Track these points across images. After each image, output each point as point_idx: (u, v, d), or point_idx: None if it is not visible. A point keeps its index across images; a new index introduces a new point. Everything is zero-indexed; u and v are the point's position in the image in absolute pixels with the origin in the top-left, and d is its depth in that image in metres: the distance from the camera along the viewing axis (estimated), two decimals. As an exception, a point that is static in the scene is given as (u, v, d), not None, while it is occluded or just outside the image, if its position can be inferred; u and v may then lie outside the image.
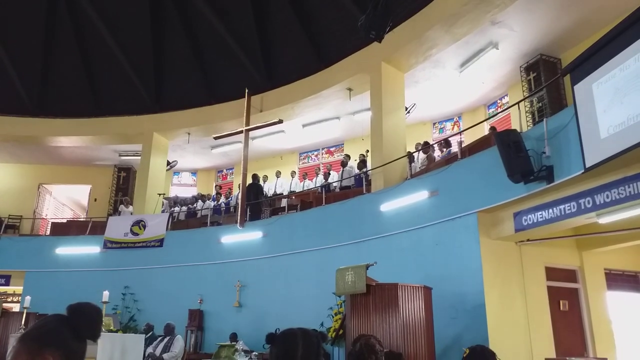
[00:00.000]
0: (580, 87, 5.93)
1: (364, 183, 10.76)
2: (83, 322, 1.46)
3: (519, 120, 7.94)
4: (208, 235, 12.37)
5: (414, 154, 11.07)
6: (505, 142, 6.48)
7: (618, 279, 8.71)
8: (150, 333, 10.04)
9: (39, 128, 14.93)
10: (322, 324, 9.17)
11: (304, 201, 12.20)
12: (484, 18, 9.20)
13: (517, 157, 6.41)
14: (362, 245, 9.36)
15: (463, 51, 10.36)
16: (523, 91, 10.31)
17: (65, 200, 18.42)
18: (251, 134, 12.95)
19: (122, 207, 14.91)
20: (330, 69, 12.24)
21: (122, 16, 14.18)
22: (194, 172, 17.94)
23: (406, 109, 11.50)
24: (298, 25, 12.50)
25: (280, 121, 12.25)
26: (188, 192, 16.93)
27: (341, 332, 8.32)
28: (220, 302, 11.32)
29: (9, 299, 13.89)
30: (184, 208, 15.21)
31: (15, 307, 12.88)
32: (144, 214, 13.27)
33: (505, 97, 11.92)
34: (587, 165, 5.65)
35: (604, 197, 5.96)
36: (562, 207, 6.50)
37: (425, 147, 11.04)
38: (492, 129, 10.30)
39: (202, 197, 15.23)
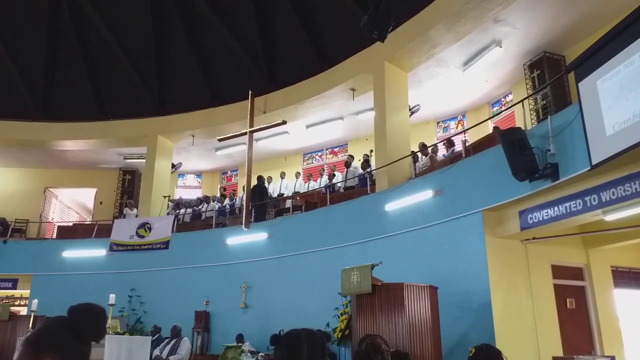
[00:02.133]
0: (584, 84, 5.89)
1: (368, 183, 10.75)
2: (82, 323, 1.46)
3: (523, 118, 7.94)
4: (213, 236, 12.40)
5: (417, 154, 11.05)
6: (510, 140, 6.45)
7: (625, 277, 8.66)
8: (157, 335, 10.07)
9: (44, 132, 15.01)
10: (327, 324, 9.17)
11: (309, 202, 12.20)
12: (487, 16, 9.17)
13: (521, 155, 6.38)
14: (367, 245, 9.36)
15: (466, 50, 10.33)
16: (527, 89, 10.28)
17: (71, 203, 18.50)
18: (255, 135, 12.98)
19: (126, 210, 14.97)
20: (333, 69, 12.24)
21: (125, 20, 14.24)
22: (198, 174, 17.97)
23: (410, 108, 11.48)
24: (300, 26, 12.51)
25: (284, 122, 12.27)
26: (193, 194, 16.96)
27: (347, 332, 8.31)
28: (226, 303, 11.34)
29: (16, 303, 13.97)
30: (189, 210, 15.24)
31: (23, 311, 12.93)
32: (150, 217, 13.31)
33: (509, 95, 11.88)
34: (594, 163, 5.62)
35: (610, 194, 5.92)
36: (567, 204, 6.47)
37: (423, 149, 11.00)
38: (497, 127, 10.25)
39: (207, 199, 15.26)
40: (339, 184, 12.61)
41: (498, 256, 7.41)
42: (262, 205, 12.67)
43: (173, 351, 8.95)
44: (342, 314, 8.94)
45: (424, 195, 8.46)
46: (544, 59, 10.05)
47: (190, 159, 16.38)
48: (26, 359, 1.38)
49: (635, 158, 5.48)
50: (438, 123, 13.69)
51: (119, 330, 8.97)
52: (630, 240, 7.75)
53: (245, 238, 11.68)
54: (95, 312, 1.51)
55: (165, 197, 14.36)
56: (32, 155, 15.95)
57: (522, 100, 8.12)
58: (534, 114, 9.92)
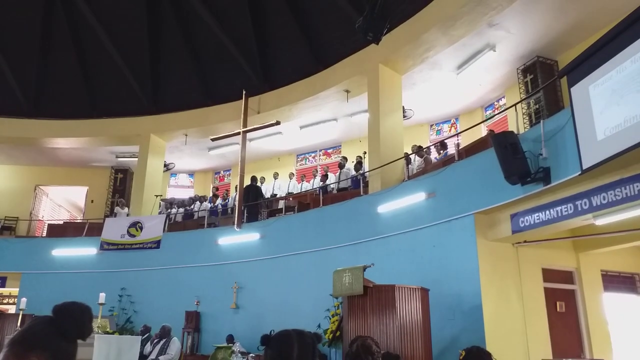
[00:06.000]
0: (577, 89, 5.94)
1: (361, 185, 10.76)
2: (68, 321, 1.46)
3: (515, 122, 7.96)
4: (205, 236, 12.35)
5: (410, 156, 11.08)
6: (502, 143, 6.49)
7: (615, 281, 8.72)
8: (147, 335, 10.02)
9: (36, 129, 14.89)
10: (319, 326, 9.16)
11: (302, 203, 12.19)
12: (481, 20, 9.22)
13: (514, 158, 6.41)
14: (359, 246, 9.36)
15: (460, 53, 10.37)
16: (520, 93, 10.33)
17: (62, 201, 18.37)
18: (248, 135, 12.94)
19: (117, 209, 14.90)
20: (327, 70, 12.25)
21: (119, 17, 14.16)
22: (191, 174, 17.91)
23: (404, 110, 11.50)
24: (295, 27, 12.50)
25: (278, 123, 12.25)
26: (185, 194, 16.90)
27: (338, 333, 8.30)
28: (217, 303, 11.30)
29: (5, 301, 13.85)
30: (181, 209, 15.18)
31: (11, 309, 12.83)
32: (141, 216, 13.24)
33: (502, 99, 11.95)
34: (584, 167, 5.66)
35: (601, 198, 5.97)
36: (558, 208, 6.51)
37: (419, 150, 11.04)
38: (492, 131, 10.30)
39: (200, 199, 15.21)
40: (332, 185, 12.61)
41: (489, 259, 7.44)
42: (254, 205, 12.64)
43: (163, 351, 8.91)
44: (333, 315, 8.93)
45: (417, 197, 8.48)
46: (537, 64, 10.11)
47: (182, 158, 16.32)
48: (13, 358, 1.37)
49: (626, 163, 5.52)
50: (431, 126, 13.74)
51: (108, 329, 8.92)
52: (620, 245, 7.81)
53: (237, 238, 11.65)
54: (80, 310, 1.51)
55: (157, 196, 14.30)
56: (23, 153, 15.81)
57: (515, 104, 8.17)
58: (527, 118, 9.98)
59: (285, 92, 13.02)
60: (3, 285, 13.70)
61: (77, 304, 1.52)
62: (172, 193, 17.28)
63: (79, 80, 14.87)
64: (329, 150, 15.59)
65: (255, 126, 12.47)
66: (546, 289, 7.87)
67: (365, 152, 11.92)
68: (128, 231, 12.20)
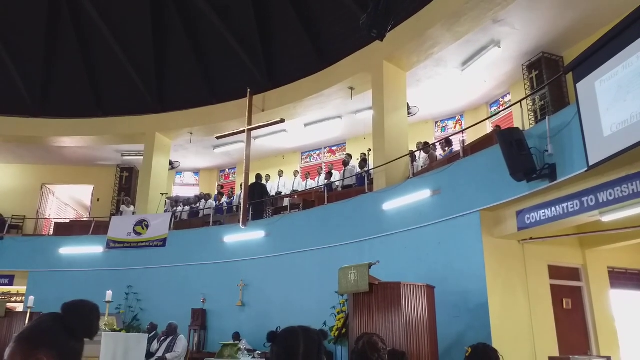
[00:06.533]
0: (582, 85, 5.90)
1: (366, 182, 10.75)
2: (77, 320, 1.44)
3: (521, 118, 7.93)
4: (211, 234, 12.39)
5: (415, 153, 11.06)
6: (508, 140, 6.46)
7: (621, 277, 8.68)
8: (154, 332, 10.07)
9: (42, 128, 14.97)
10: (324, 323, 9.17)
11: (306, 200, 12.19)
12: (486, 16, 9.18)
13: (519, 155, 6.39)
14: (365, 244, 9.36)
15: (465, 49, 10.34)
16: (525, 89, 10.29)
17: (68, 200, 18.46)
18: (253, 133, 12.95)
19: (123, 207, 14.95)
20: (332, 68, 12.23)
21: (124, 16, 14.22)
22: (196, 172, 17.95)
23: (409, 107, 11.47)
24: (299, 24, 12.50)
25: (282, 120, 12.25)
26: (190, 192, 16.95)
27: (344, 331, 8.31)
28: (223, 301, 11.33)
29: (12, 299, 13.94)
30: (187, 208, 15.23)
31: (19, 307, 12.92)
32: (147, 214, 13.29)
33: (508, 95, 11.89)
34: (591, 164, 5.63)
35: (607, 195, 5.94)
36: (564, 205, 6.48)
37: (426, 147, 11.03)
38: (497, 127, 10.26)
39: (205, 197, 15.24)
40: (336, 183, 12.61)
41: (495, 256, 7.42)
42: (259, 203, 12.66)
43: (169, 349, 8.96)
44: (339, 313, 8.94)
45: (422, 194, 8.47)
46: (543, 60, 10.06)
47: (188, 156, 16.37)
48: (20, 355, 1.36)
49: (632, 159, 5.49)
50: (436, 123, 13.71)
51: (115, 327, 8.97)
52: (627, 241, 7.77)
53: (242, 236, 11.67)
54: (88, 309, 1.49)
55: (162, 194, 14.34)
56: (29, 152, 15.91)
57: (520, 101, 8.12)
58: (532, 114, 9.93)
59: (290, 90, 13.02)
60: (11, 284, 13.80)
61: (85, 302, 1.51)
62: (178, 191, 17.33)
63: (84, 79, 14.94)
64: (333, 148, 15.58)
65: (260, 124, 12.47)
66: (552, 286, 7.84)
67: (369, 150, 11.90)
68: (134, 229, 12.25)
